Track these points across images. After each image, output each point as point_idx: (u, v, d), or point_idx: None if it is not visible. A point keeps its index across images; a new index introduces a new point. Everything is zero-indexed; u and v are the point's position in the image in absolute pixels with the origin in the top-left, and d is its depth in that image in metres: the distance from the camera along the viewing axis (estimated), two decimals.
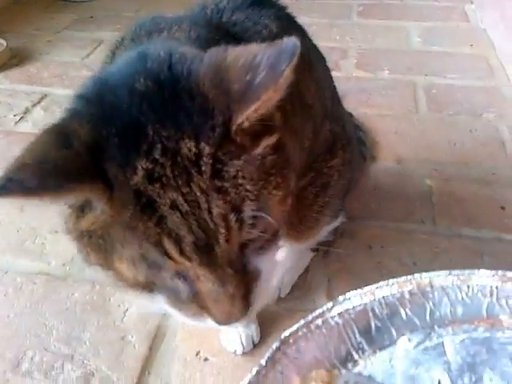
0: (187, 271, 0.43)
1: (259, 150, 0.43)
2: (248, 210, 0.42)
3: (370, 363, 0.49)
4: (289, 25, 0.76)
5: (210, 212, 0.40)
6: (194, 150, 0.40)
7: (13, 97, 1.59)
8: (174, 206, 0.40)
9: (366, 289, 0.52)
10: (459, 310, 0.51)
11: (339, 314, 0.51)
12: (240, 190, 0.41)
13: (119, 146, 0.41)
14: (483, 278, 0.51)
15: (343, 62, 1.67)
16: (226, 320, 0.46)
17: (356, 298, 0.51)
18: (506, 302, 0.50)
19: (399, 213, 1.07)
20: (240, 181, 0.41)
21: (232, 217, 0.41)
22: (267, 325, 0.86)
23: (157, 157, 0.40)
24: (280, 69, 0.39)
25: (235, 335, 0.81)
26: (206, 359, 0.82)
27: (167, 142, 0.41)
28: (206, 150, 0.41)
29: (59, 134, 0.42)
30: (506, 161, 1.21)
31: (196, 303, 0.45)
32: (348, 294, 0.52)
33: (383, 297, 0.52)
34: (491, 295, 0.51)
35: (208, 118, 0.41)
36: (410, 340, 0.50)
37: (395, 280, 0.52)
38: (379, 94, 1.48)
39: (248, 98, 0.40)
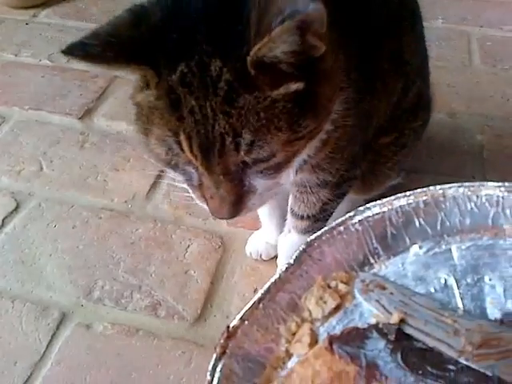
0: (195, 164, 0.51)
1: (275, 93, 0.46)
2: (246, 137, 0.47)
3: (385, 267, 0.54)
4: None
5: (213, 127, 0.46)
6: (218, 71, 0.45)
7: (63, 32, 1.60)
8: (191, 111, 0.46)
9: (385, 199, 0.56)
10: (467, 220, 0.54)
11: (359, 222, 0.55)
12: (242, 119, 0.46)
13: (173, 44, 0.47)
14: (491, 189, 0.54)
15: None
16: (215, 214, 0.54)
17: (376, 208, 0.55)
18: (510, 212, 0.53)
19: (450, 167, 1.09)
20: (244, 112, 0.46)
21: (228, 137, 0.47)
22: None
23: (192, 66, 0.46)
24: (276, 37, 0.42)
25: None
26: None
27: (205, 55, 0.46)
28: (226, 76, 0.45)
29: (135, 13, 0.48)
30: None
31: (200, 191, 0.53)
32: (369, 205, 0.56)
33: (400, 206, 0.55)
34: (497, 205, 0.53)
35: (240, 44, 0.45)
36: (420, 247, 0.54)
37: (412, 191, 0.56)
38: (433, 44, 1.44)
39: (263, 34, 0.43)
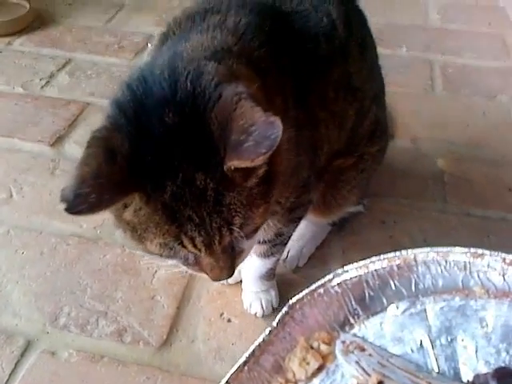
0: (195, 253, 0.58)
1: (249, 183, 0.54)
2: (237, 222, 0.55)
3: (364, 327, 0.57)
4: (349, 10, 0.80)
5: (211, 225, 0.54)
6: (203, 183, 0.52)
7: (37, 60, 1.62)
8: (189, 218, 0.53)
9: (361, 263, 0.60)
10: (440, 282, 0.58)
11: (338, 284, 0.59)
12: (231, 211, 0.54)
13: (152, 167, 0.52)
14: (458, 255, 0.59)
15: None
16: (217, 279, 0.62)
17: (352, 271, 0.60)
18: (478, 275, 0.58)
19: (412, 190, 1.12)
20: (232, 206, 0.54)
21: (224, 228, 0.55)
22: (286, 291, 0.93)
23: (179, 183, 0.52)
24: (260, 151, 0.48)
25: (256, 299, 0.89)
26: (229, 320, 0.89)
27: (188, 172, 0.52)
28: (211, 185, 0.52)
29: (106, 149, 0.51)
30: None
31: (199, 267, 0.61)
32: (346, 267, 0.60)
33: (375, 270, 0.59)
34: (465, 269, 0.58)
35: (213, 155, 0.51)
36: (397, 307, 0.58)
37: (385, 255, 0.60)
38: (397, 71, 1.50)
39: (235, 153, 0.50)
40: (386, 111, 0.97)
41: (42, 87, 1.50)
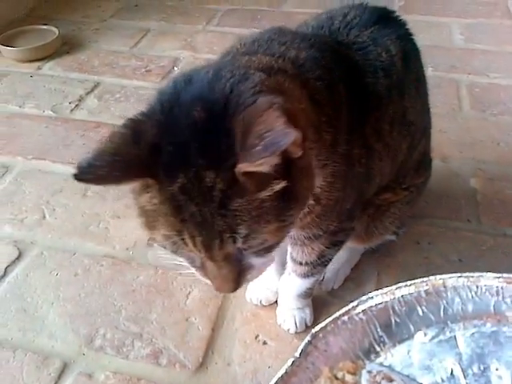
0: (196, 255, 0.57)
1: (262, 194, 0.52)
2: (241, 232, 0.52)
3: (391, 355, 0.56)
4: (406, 45, 0.80)
5: (212, 227, 0.52)
6: (212, 182, 0.50)
7: (66, 84, 1.66)
8: (192, 215, 0.52)
9: (387, 289, 0.59)
10: (469, 308, 0.57)
11: (363, 311, 0.58)
12: (237, 219, 0.52)
13: (170, 157, 0.52)
14: (490, 280, 0.57)
15: None
16: (220, 290, 0.61)
17: (378, 297, 0.59)
18: (511, 301, 0.56)
19: (445, 211, 1.11)
20: (238, 213, 0.51)
21: (226, 234, 0.52)
22: (320, 311, 0.92)
23: (190, 176, 0.51)
24: (262, 154, 0.47)
25: (291, 316, 0.88)
26: (264, 342, 0.88)
27: (200, 168, 0.51)
28: (220, 185, 0.51)
29: (133, 130, 0.53)
30: None
31: (203, 272, 0.59)
32: (371, 294, 0.59)
33: (402, 296, 0.59)
34: (497, 294, 0.57)
35: (228, 156, 0.50)
36: (425, 334, 0.57)
37: (413, 281, 0.59)
38: None
39: (245, 156, 0.49)
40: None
41: (72, 110, 1.53)
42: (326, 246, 0.76)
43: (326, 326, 0.58)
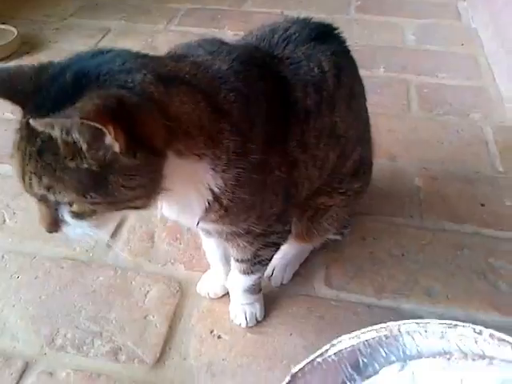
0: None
1: (70, 163, 0.57)
2: (44, 180, 0.58)
3: None
4: (341, 62, 0.83)
5: (27, 165, 0.59)
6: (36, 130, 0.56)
7: None
8: (19, 148, 0.60)
9: (353, 334, 0.70)
10: (424, 349, 0.68)
11: (335, 354, 0.69)
12: (44, 169, 0.57)
13: (37, 100, 0.58)
14: (435, 326, 0.68)
15: None
16: (43, 227, 0.67)
17: (346, 341, 0.69)
18: (455, 343, 0.67)
19: (390, 208, 1.19)
20: (46, 165, 0.57)
21: (33, 175, 0.58)
22: (271, 306, 0.98)
23: (27, 117, 0.57)
24: (54, 117, 0.53)
25: (241, 311, 0.95)
26: (219, 337, 0.94)
27: (41, 115, 0.55)
28: (42, 136, 0.57)
29: (36, 71, 0.61)
30: (489, 160, 1.33)
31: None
32: (340, 338, 0.69)
33: (366, 340, 0.69)
34: (443, 337, 0.67)
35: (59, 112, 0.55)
36: (388, 371, 0.68)
37: (374, 327, 0.70)
38: (374, 92, 1.57)
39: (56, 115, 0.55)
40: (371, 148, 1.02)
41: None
42: (260, 247, 0.81)
43: (303, 366, 0.67)
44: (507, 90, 1.55)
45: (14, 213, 1.19)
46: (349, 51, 0.90)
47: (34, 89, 0.59)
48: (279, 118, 0.73)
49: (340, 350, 0.68)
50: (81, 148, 0.55)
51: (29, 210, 1.20)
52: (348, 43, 0.90)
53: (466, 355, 0.65)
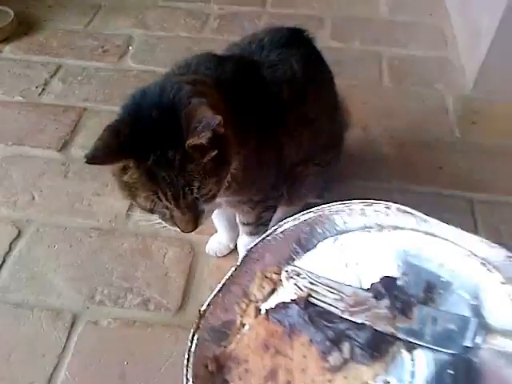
0: (168, 206, 0.80)
1: (204, 159, 0.76)
2: (195, 185, 0.77)
3: (302, 260, 0.86)
4: (308, 64, 1.04)
5: (177, 184, 0.76)
6: (172, 156, 0.75)
7: (30, 68, 1.79)
8: (163, 179, 0.76)
9: (295, 216, 0.88)
10: (349, 224, 0.86)
11: (281, 232, 0.88)
12: (191, 176, 0.76)
13: (141, 144, 0.75)
14: (357, 204, 0.87)
15: (320, 32, 1.90)
16: (184, 230, 0.83)
17: (290, 222, 0.88)
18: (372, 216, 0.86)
19: (363, 173, 1.39)
20: (191, 172, 0.76)
21: (186, 187, 0.76)
22: None
23: (158, 154, 0.75)
24: (202, 132, 0.73)
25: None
26: None
27: (163, 148, 0.76)
28: (177, 157, 0.75)
29: (113, 131, 0.77)
30: (448, 127, 1.53)
31: (171, 220, 0.82)
32: (285, 220, 0.88)
33: (305, 220, 0.88)
34: (364, 214, 0.87)
35: (180, 138, 0.74)
36: (324, 244, 0.86)
37: (311, 209, 0.87)
38: (350, 64, 1.75)
39: (191, 135, 0.74)
40: (342, 114, 1.22)
41: (39, 95, 1.68)
42: (262, 210, 1.04)
43: (257, 243, 0.87)
44: (468, 61, 1.72)
45: (41, 190, 1.37)
46: (315, 49, 1.10)
47: (125, 141, 0.75)
48: (266, 109, 0.95)
49: (285, 229, 0.87)
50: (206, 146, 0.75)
51: (53, 187, 1.38)
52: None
53: (382, 227, 0.83)
